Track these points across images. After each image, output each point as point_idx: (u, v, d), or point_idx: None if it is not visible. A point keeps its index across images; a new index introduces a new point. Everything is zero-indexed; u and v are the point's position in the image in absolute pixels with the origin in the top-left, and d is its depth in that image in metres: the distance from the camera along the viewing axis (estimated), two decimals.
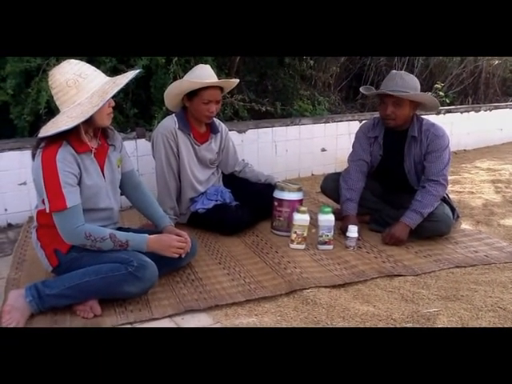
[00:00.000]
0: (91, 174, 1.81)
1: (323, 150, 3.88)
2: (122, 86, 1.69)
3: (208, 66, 2.43)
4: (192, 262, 2.13)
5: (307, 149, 3.78)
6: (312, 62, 4.25)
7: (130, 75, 1.73)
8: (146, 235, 1.85)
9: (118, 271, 1.72)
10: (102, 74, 1.76)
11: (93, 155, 1.81)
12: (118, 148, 1.98)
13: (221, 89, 2.43)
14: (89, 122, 1.71)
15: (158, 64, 3.17)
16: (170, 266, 1.99)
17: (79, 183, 1.75)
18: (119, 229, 1.97)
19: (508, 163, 4.26)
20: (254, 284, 1.95)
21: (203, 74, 2.36)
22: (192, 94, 2.37)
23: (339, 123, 3.93)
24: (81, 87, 1.67)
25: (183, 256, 1.94)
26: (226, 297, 1.85)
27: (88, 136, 1.80)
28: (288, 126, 3.66)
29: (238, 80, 2.53)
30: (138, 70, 1.80)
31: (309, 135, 3.77)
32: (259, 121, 3.62)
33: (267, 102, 3.82)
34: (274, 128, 3.59)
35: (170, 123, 2.44)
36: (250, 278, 2.00)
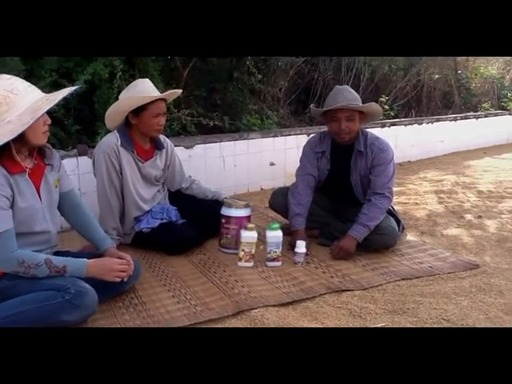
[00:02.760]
0: (25, 195, 1.71)
1: (272, 164, 3.88)
2: (54, 102, 1.61)
3: (148, 80, 2.42)
4: (136, 285, 2.05)
5: (256, 163, 3.78)
6: (260, 77, 4.27)
7: (65, 91, 1.66)
8: (85, 260, 1.76)
9: (55, 299, 1.62)
10: (37, 91, 1.67)
11: (27, 175, 1.72)
12: (56, 167, 1.89)
13: (165, 100, 2.41)
14: (21, 140, 1.62)
15: (102, 78, 3.09)
16: (112, 291, 1.90)
17: (12, 206, 1.65)
18: (57, 253, 1.88)
19: (449, 174, 4.42)
20: (200, 306, 1.89)
21: (146, 88, 2.34)
22: (139, 110, 2.31)
23: (287, 137, 3.96)
24: (12, 104, 1.58)
25: (126, 280, 1.86)
26: (171, 321, 1.78)
27: (21, 156, 1.71)
28: (236, 140, 3.64)
29: (180, 90, 2.57)
30: (74, 87, 1.74)
31: (257, 149, 3.77)
32: (207, 136, 3.59)
33: (216, 117, 3.80)
34: (221, 143, 3.56)
35: (111, 140, 2.36)
36: (196, 300, 1.94)
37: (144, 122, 2.34)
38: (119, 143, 2.35)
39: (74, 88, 1.71)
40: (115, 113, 2.36)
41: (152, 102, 2.30)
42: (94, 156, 2.38)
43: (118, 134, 2.37)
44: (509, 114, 6.50)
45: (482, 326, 1.76)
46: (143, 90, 2.33)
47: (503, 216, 3.10)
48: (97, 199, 2.43)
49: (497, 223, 2.96)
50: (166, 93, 2.40)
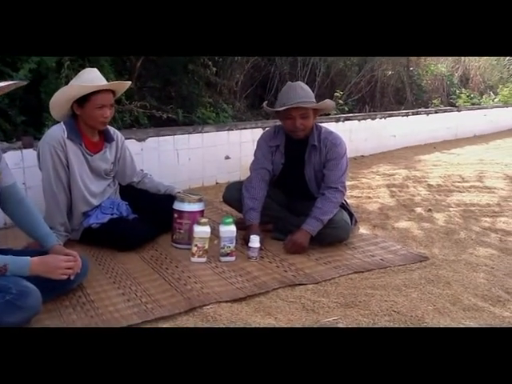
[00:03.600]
0: None
1: (227, 157, 3.85)
2: None
3: (96, 70, 2.32)
4: (84, 283, 1.98)
5: (211, 157, 3.73)
6: (215, 70, 4.21)
7: None
8: (28, 258, 1.68)
9: None
10: None
11: None
12: None
13: (113, 92, 2.31)
14: None
15: (48, 68, 2.96)
16: (58, 290, 1.83)
17: None
18: None
19: (401, 168, 4.53)
20: (150, 303, 1.84)
21: (92, 77, 2.24)
22: (83, 100, 2.22)
23: (243, 130, 3.93)
24: None
25: (72, 277, 1.79)
26: (120, 319, 1.72)
27: None
28: (190, 133, 3.58)
29: (129, 82, 2.45)
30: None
31: (212, 143, 3.73)
32: (160, 128, 3.51)
33: (170, 109, 3.72)
34: (175, 136, 3.49)
35: (57, 132, 2.25)
36: (147, 297, 1.89)
37: (88, 114, 2.24)
38: (66, 135, 2.25)
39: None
40: (58, 102, 2.26)
41: (96, 93, 2.20)
42: (39, 149, 2.27)
43: (64, 126, 2.27)
44: (457, 111, 6.72)
45: (431, 316, 1.80)
46: (88, 79, 2.23)
47: (451, 209, 3.20)
48: (43, 194, 2.32)
49: (445, 216, 3.05)
50: (110, 83, 2.31)
